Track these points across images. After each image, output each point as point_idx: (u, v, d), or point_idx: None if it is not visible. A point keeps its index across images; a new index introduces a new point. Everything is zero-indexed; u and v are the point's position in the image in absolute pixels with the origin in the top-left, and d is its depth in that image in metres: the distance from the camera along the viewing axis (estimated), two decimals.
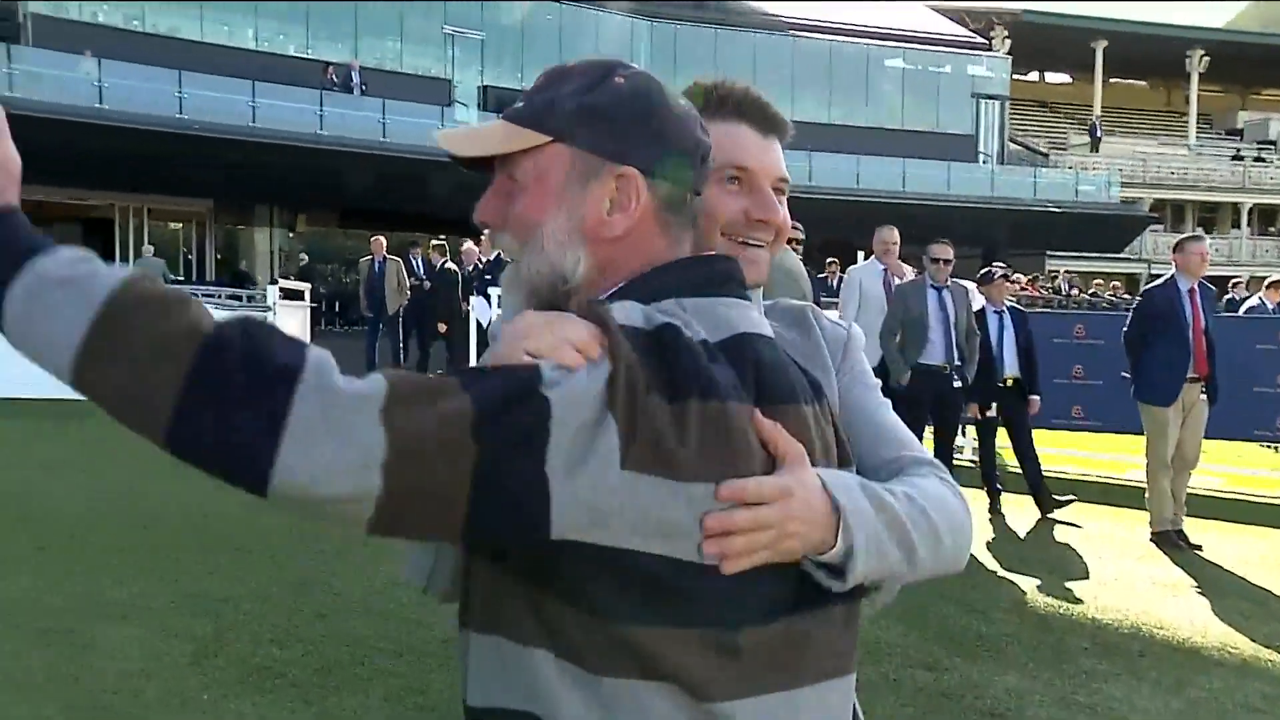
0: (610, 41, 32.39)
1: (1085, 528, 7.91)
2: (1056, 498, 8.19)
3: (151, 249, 23.46)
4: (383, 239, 15.98)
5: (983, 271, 8.76)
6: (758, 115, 1.39)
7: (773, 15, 36.75)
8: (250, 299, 18.23)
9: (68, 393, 1.02)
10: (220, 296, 17.67)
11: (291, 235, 30.55)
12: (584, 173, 1.16)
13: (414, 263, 15.94)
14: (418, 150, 23.28)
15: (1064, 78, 50.15)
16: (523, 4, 31.30)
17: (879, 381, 1.46)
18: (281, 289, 15.39)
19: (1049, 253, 36.73)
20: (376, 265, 15.68)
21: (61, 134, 20.65)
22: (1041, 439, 8.87)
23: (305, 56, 28.03)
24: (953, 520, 1.27)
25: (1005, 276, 9.03)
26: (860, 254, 10.40)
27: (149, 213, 27.15)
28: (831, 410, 1.25)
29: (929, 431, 7.91)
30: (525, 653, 1.08)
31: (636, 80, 1.19)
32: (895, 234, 8.51)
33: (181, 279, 24.64)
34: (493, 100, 29.42)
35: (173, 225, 28.54)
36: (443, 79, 29.81)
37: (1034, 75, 49.24)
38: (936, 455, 7.72)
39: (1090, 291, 28.67)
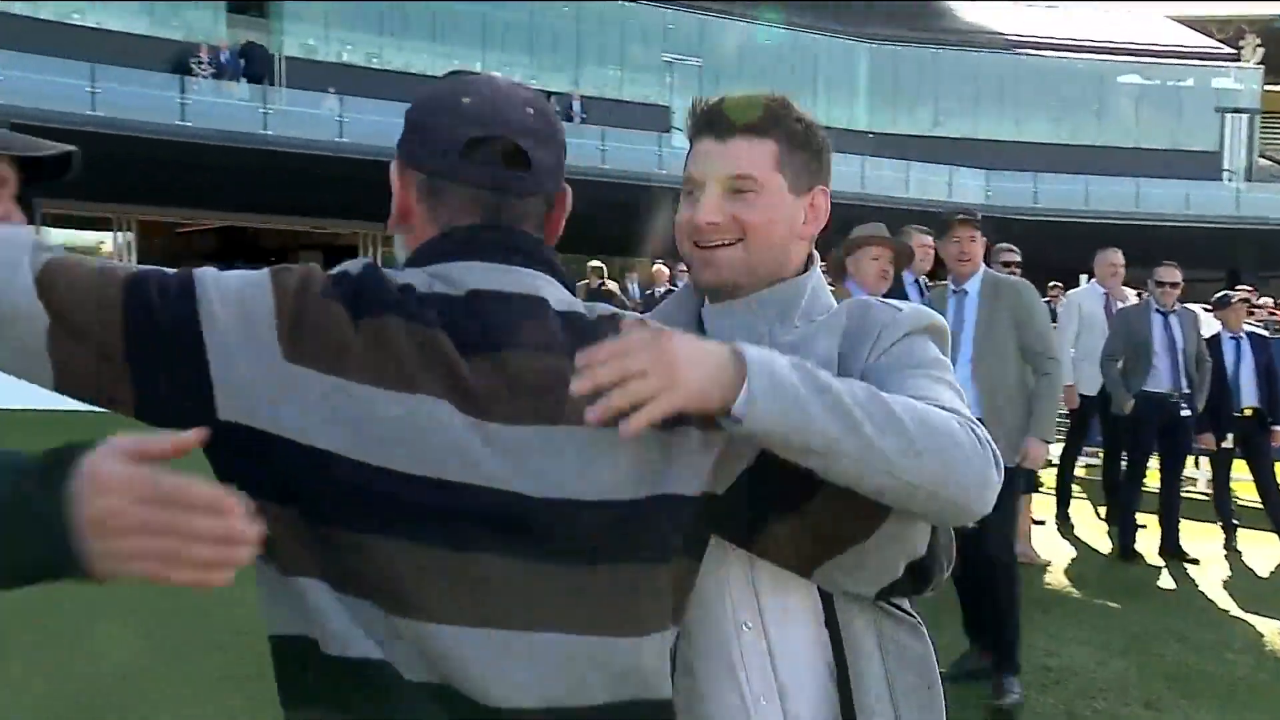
0: (828, 64, 32.24)
1: None
2: None
3: None
4: (602, 265, 16.34)
5: (1218, 295, 8.29)
6: (711, 123, 1.49)
7: (997, 33, 35.72)
8: None
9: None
10: None
11: None
12: (397, 174, 1.36)
13: (630, 286, 16.25)
14: (633, 177, 23.95)
15: None
16: (740, 29, 31.52)
17: (943, 360, 1.42)
18: None
19: None
20: (593, 290, 16.05)
21: (307, 167, 22.14)
22: None
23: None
24: (938, 433, 1.22)
25: (1245, 300, 8.52)
26: (1083, 277, 9.98)
27: (383, 240, 28.71)
28: None
29: (1154, 461, 7.55)
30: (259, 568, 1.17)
31: (438, 88, 1.36)
32: (1120, 256, 8.20)
33: None
34: None
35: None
36: (661, 105, 30.32)
37: None
38: (1163, 486, 7.41)
39: None
